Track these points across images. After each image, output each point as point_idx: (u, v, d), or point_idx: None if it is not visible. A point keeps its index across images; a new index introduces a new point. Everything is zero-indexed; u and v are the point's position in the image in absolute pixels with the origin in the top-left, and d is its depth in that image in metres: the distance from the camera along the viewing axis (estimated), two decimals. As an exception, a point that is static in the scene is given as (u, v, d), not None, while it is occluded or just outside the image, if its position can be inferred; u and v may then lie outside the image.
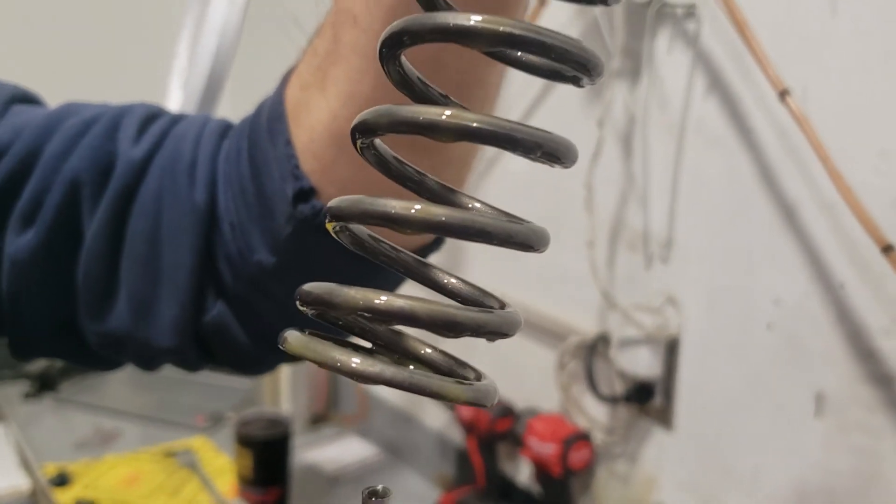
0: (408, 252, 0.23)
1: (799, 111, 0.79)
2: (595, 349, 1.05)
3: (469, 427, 1.19)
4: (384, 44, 0.20)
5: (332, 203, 0.21)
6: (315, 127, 0.42)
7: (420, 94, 0.22)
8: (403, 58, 0.21)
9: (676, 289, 0.97)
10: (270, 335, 0.49)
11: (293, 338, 0.20)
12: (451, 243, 0.45)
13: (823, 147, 0.77)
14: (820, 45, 0.81)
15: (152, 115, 0.50)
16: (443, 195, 0.23)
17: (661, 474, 1.02)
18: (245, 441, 1.22)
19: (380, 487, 0.23)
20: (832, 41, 0.80)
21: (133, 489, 1.25)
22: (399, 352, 0.23)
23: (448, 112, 0.19)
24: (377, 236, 0.23)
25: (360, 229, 0.22)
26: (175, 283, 0.47)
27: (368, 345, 0.23)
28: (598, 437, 1.08)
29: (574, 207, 1.06)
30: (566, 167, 0.21)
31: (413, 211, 0.19)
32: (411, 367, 0.22)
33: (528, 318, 1.18)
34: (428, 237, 0.47)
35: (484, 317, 0.20)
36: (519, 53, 0.22)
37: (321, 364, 0.19)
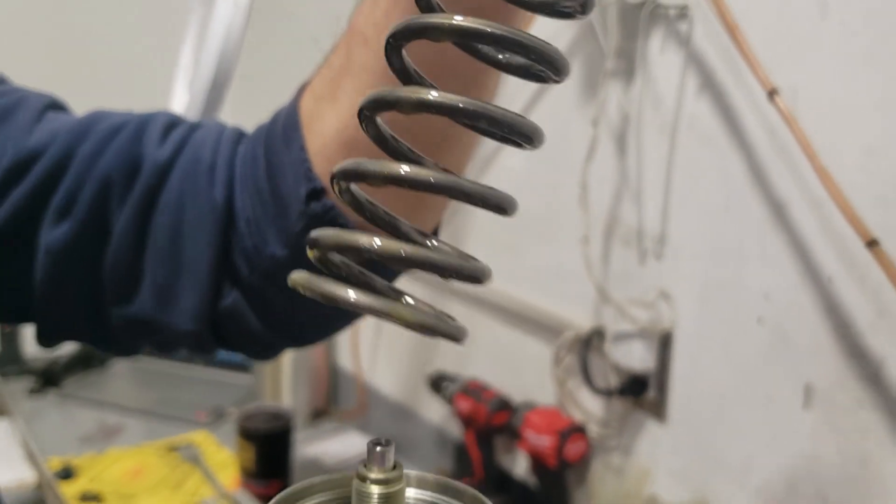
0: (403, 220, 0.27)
1: (788, 110, 0.81)
2: (590, 343, 1.08)
3: (467, 421, 1.22)
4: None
5: (337, 167, 0.25)
6: (327, 134, 0.48)
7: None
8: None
9: (669, 284, 1.00)
10: (281, 322, 0.54)
11: (297, 274, 0.24)
12: (449, 237, 0.47)
13: (811, 145, 0.79)
14: (809, 47, 0.83)
15: (173, 122, 0.55)
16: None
17: (655, 466, 1.04)
18: (247, 434, 1.24)
19: (383, 439, 0.27)
20: (821, 43, 0.82)
21: (137, 482, 1.27)
22: (390, 297, 0.26)
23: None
24: (373, 200, 0.27)
25: (360, 193, 0.26)
26: (195, 273, 0.52)
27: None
28: (594, 429, 1.10)
29: (569, 204, 1.08)
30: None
31: (402, 172, 0.23)
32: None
33: (524, 314, 1.20)
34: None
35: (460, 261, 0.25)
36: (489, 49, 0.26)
37: (322, 294, 0.23)
